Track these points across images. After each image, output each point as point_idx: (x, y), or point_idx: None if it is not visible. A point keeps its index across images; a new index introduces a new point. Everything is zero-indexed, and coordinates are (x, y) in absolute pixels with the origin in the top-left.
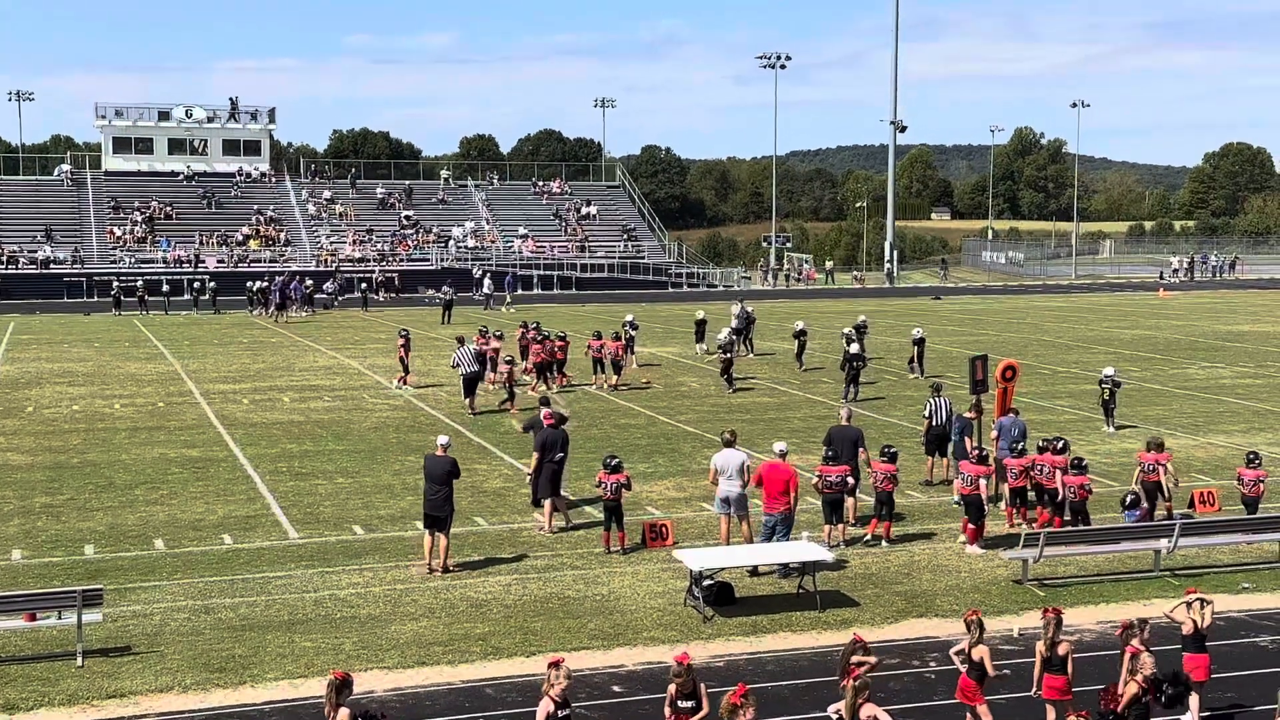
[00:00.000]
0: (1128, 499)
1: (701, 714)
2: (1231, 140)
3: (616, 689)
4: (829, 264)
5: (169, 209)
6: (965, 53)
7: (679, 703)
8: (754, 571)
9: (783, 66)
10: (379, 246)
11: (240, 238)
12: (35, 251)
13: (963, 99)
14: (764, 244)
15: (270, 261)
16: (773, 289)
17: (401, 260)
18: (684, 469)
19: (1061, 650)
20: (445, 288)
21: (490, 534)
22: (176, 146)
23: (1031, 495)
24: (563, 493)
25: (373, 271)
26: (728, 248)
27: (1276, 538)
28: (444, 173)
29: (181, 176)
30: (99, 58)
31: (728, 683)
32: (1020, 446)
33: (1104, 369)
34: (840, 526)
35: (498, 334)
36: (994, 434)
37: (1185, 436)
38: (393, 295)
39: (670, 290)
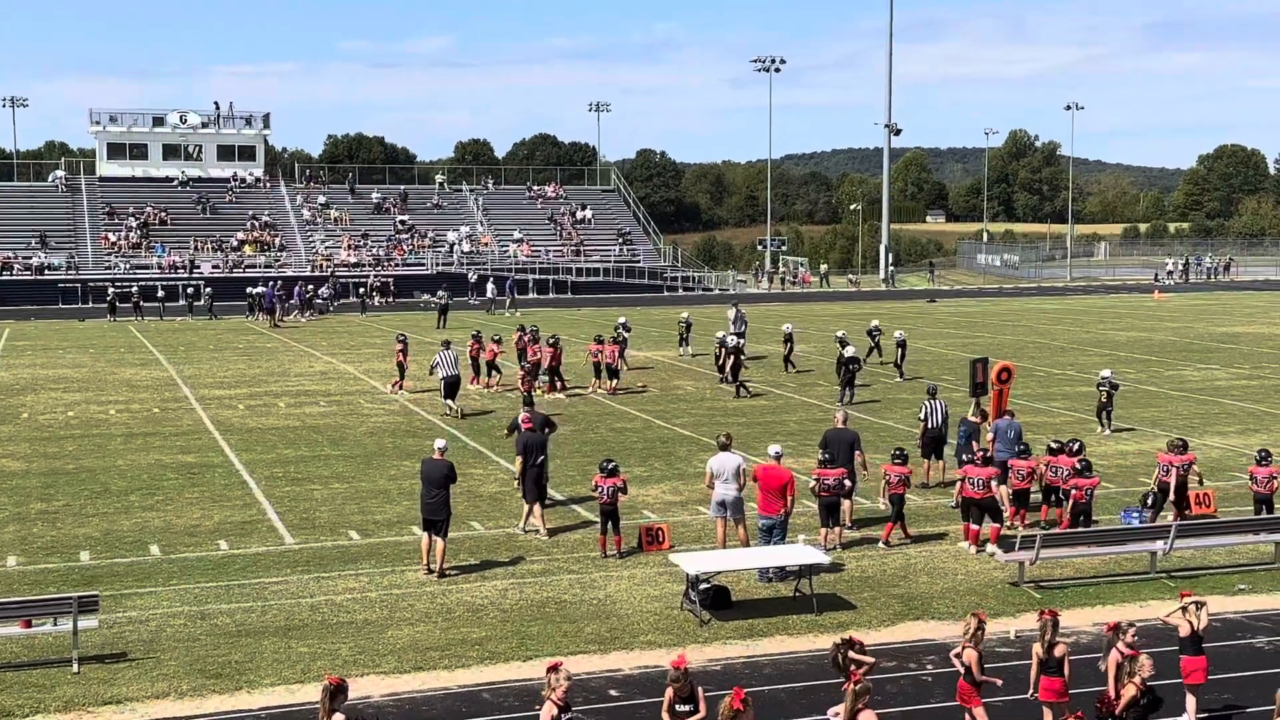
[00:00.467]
0: (1149, 498)
1: (699, 717)
2: (1225, 142)
3: (613, 693)
4: (823, 267)
5: (164, 214)
6: (960, 55)
7: (677, 707)
8: (767, 579)
9: (777, 70)
10: (374, 251)
11: (235, 243)
12: (30, 257)
13: (957, 102)
14: (759, 247)
15: (265, 267)
16: (767, 292)
17: (397, 265)
18: (680, 473)
19: (1058, 652)
20: (440, 292)
21: (486, 538)
22: (171, 152)
23: (1036, 496)
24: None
25: (368, 276)
26: (723, 251)
27: (1273, 539)
28: (439, 177)
29: (176, 182)
30: (94, 63)
31: (724, 686)
32: (1023, 448)
33: (1101, 371)
34: (837, 530)
35: (495, 338)
36: (990, 436)
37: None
38: (387, 300)
39: (666, 294)
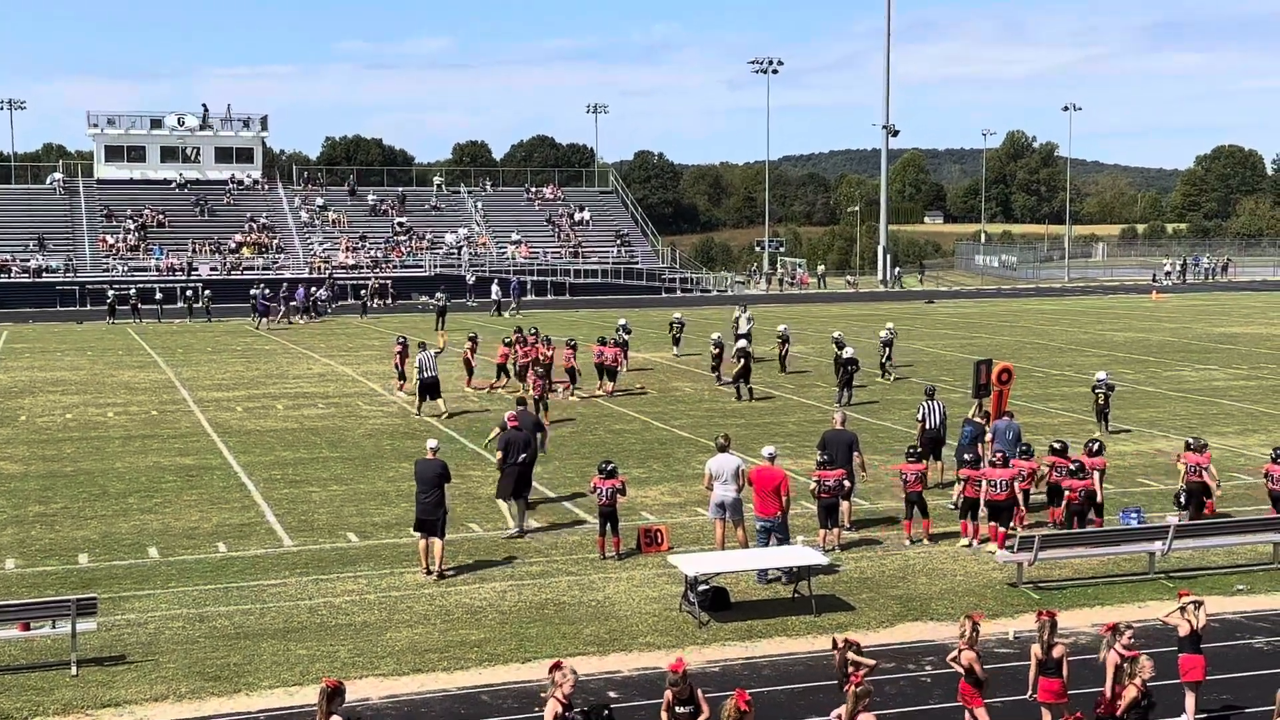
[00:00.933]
0: (1181, 498)
1: (702, 718)
2: (1223, 143)
3: (612, 694)
4: (821, 268)
5: (161, 217)
6: (957, 56)
7: (677, 709)
8: (766, 580)
9: (775, 71)
10: (372, 253)
11: (233, 245)
12: (28, 260)
13: (955, 103)
14: (757, 249)
15: (264, 269)
16: (766, 293)
17: (395, 267)
18: (678, 474)
19: (1057, 653)
20: (439, 294)
21: (485, 540)
22: (169, 154)
23: (1041, 497)
24: (516, 498)
25: (368, 278)
26: (721, 252)
27: (1270, 539)
28: (437, 179)
29: (174, 184)
30: (91, 65)
31: (723, 688)
32: (1025, 448)
33: (1096, 373)
34: (836, 531)
35: (507, 340)
36: (989, 437)
37: (1179, 439)
38: (385, 302)
39: (664, 295)
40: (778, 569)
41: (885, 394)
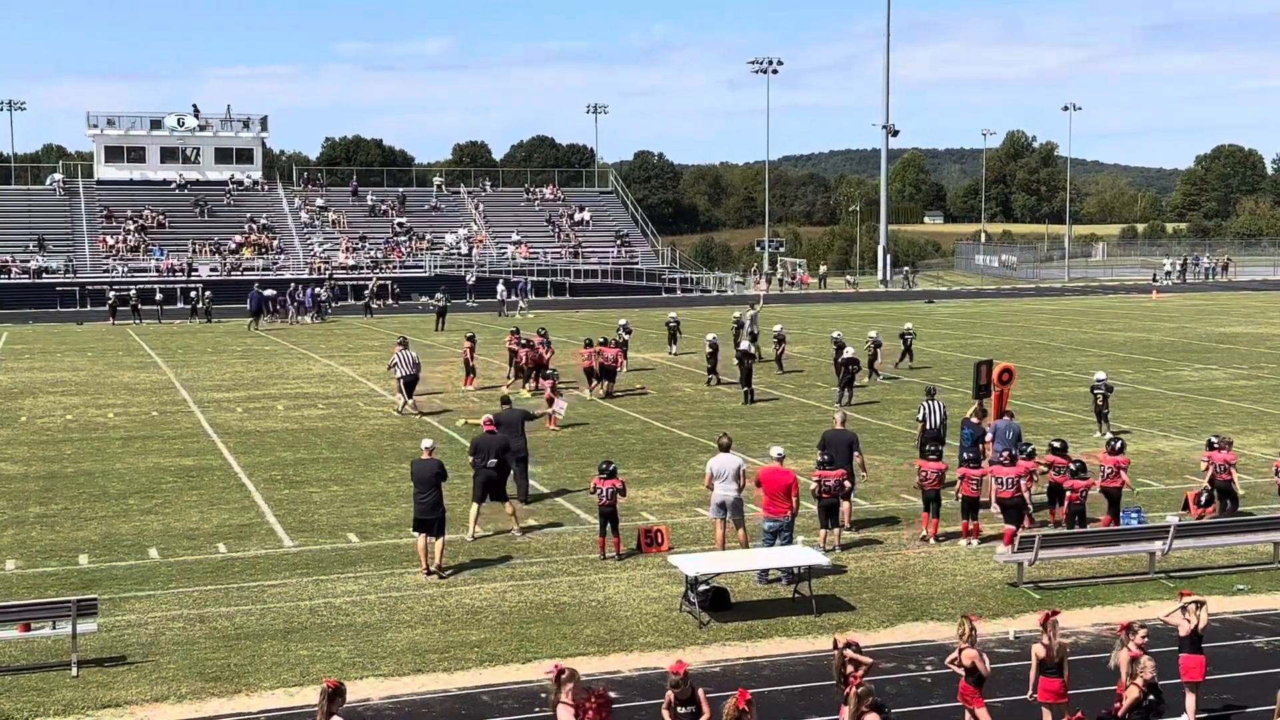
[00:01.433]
0: (1203, 497)
1: (703, 719)
2: (1223, 142)
3: (613, 695)
4: (821, 268)
5: (161, 217)
6: (957, 56)
7: (678, 709)
8: (767, 580)
9: (775, 71)
10: (372, 254)
11: (233, 246)
12: (28, 261)
13: (955, 103)
14: (757, 249)
15: (264, 269)
16: (766, 293)
17: (395, 267)
18: (679, 474)
19: (1057, 653)
20: (438, 294)
21: (485, 540)
22: (169, 155)
23: (1043, 497)
24: (487, 502)
25: (369, 278)
26: (721, 253)
27: (1271, 539)
28: (437, 179)
29: (174, 185)
30: (91, 66)
31: (724, 688)
32: (1028, 448)
33: (1095, 374)
34: (836, 531)
35: (526, 341)
36: (989, 437)
37: (1179, 438)
38: (384, 302)
39: (664, 295)
40: (778, 569)
41: (886, 394)
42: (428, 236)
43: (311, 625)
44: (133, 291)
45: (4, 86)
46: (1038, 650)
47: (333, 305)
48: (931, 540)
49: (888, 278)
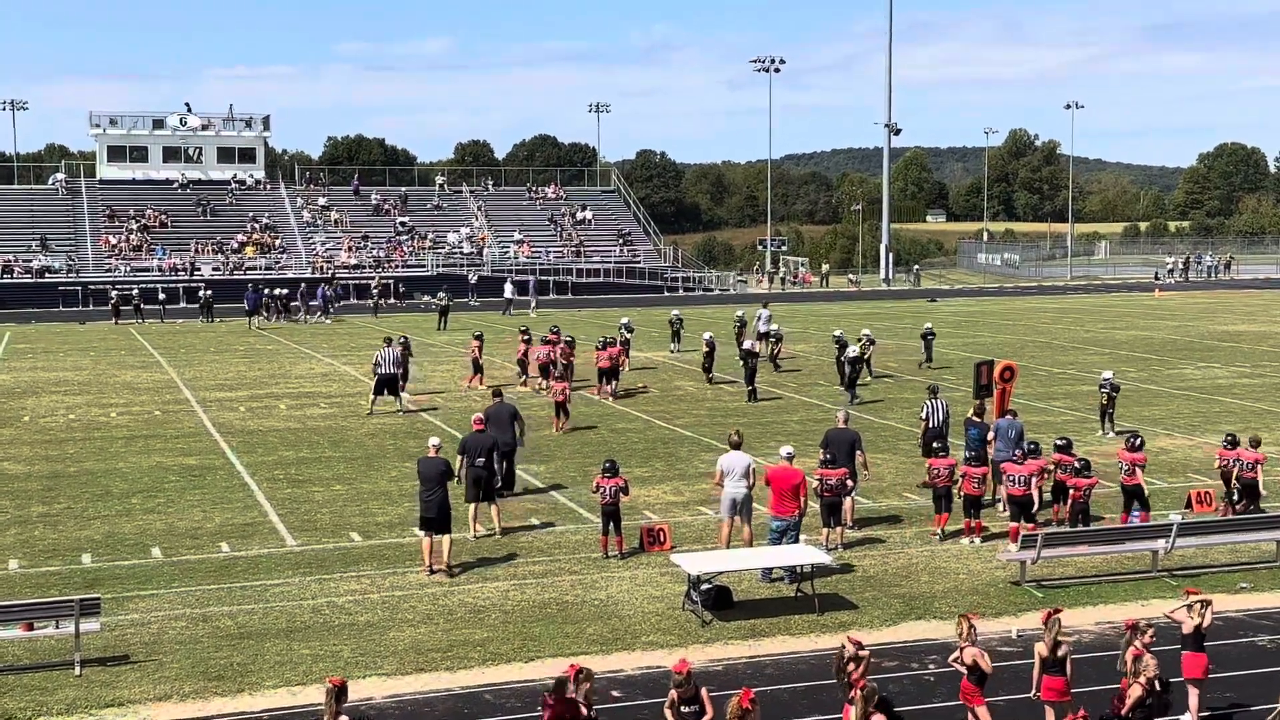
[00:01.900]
0: (1233, 495)
1: (706, 718)
2: (1225, 141)
3: (616, 694)
4: (824, 267)
5: (164, 217)
6: (959, 56)
7: (682, 708)
8: (770, 579)
9: (776, 70)
10: (375, 253)
11: (236, 245)
12: (30, 260)
13: (957, 102)
14: (759, 247)
15: (266, 269)
16: (768, 292)
17: (397, 266)
18: (681, 473)
19: (1060, 651)
20: (441, 293)
21: (488, 539)
22: (171, 154)
23: (1047, 495)
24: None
25: (373, 277)
26: (723, 251)
27: (1274, 537)
28: (439, 179)
29: (176, 184)
30: (93, 66)
31: (727, 687)
32: (1032, 446)
33: (1103, 373)
34: (838, 530)
35: (544, 339)
36: (991, 436)
37: (1182, 437)
38: (388, 302)
39: (666, 294)
40: (781, 568)
41: (889, 393)
42: (430, 236)
43: (314, 624)
44: (135, 291)
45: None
46: (1041, 649)
47: (335, 304)
48: (939, 535)
49: (890, 276)
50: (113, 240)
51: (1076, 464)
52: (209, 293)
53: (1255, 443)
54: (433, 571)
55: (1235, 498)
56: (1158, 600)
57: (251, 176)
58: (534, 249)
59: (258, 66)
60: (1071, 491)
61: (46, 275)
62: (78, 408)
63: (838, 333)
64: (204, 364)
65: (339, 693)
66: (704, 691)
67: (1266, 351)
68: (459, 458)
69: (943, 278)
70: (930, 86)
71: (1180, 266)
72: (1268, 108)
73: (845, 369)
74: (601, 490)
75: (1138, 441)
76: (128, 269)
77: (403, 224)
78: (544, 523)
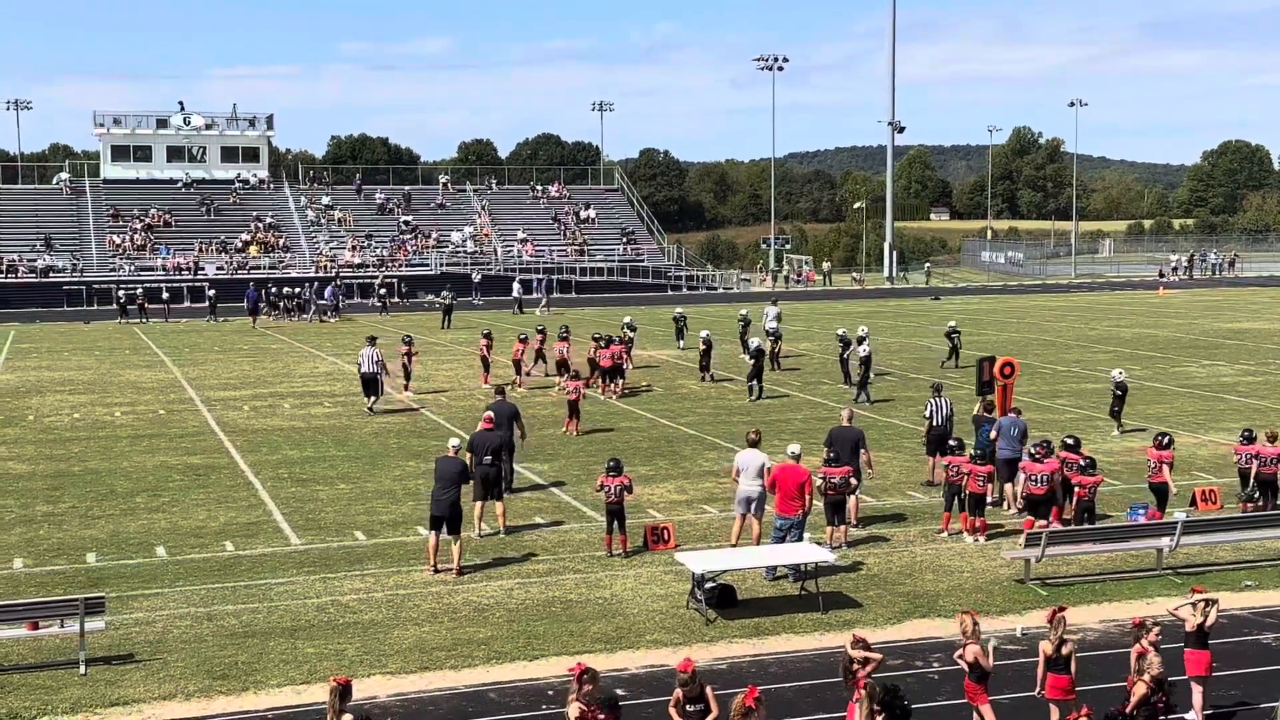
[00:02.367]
0: (1255, 494)
1: (711, 717)
2: (1230, 138)
3: (620, 692)
4: (826, 265)
5: (168, 216)
6: (962, 54)
7: (687, 707)
8: (774, 576)
9: (780, 69)
10: (378, 252)
11: (239, 245)
12: (35, 260)
13: (960, 100)
14: (763, 246)
15: (270, 268)
16: (771, 290)
17: (400, 265)
18: (685, 472)
19: (1065, 650)
20: (445, 292)
21: (492, 538)
22: (175, 154)
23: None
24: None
25: (376, 276)
26: (727, 250)
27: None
28: (442, 178)
29: (180, 184)
30: (96, 66)
31: (731, 685)
32: (1048, 446)
33: (1113, 371)
34: (842, 528)
35: (562, 335)
36: (993, 434)
37: (1187, 435)
38: (393, 300)
39: (670, 293)
40: (785, 566)
41: (893, 391)
42: (433, 235)
43: (319, 623)
44: (139, 290)
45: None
46: (1045, 647)
47: (340, 303)
48: (946, 534)
49: (894, 274)
50: (117, 240)
51: (1082, 462)
52: (214, 292)
53: (1273, 438)
54: (437, 570)
55: (1255, 494)
56: (1162, 598)
57: (255, 176)
58: (537, 248)
59: (261, 66)
60: (1076, 489)
61: (51, 275)
62: (82, 407)
63: (841, 331)
64: (208, 363)
65: (343, 691)
66: (709, 690)
67: (1271, 349)
68: (467, 456)
69: (947, 276)
70: (934, 84)
71: (1184, 264)
72: (1272, 105)
73: (851, 368)
74: (605, 489)
75: (1165, 439)
76: (132, 268)
77: (406, 223)
78: (549, 521)
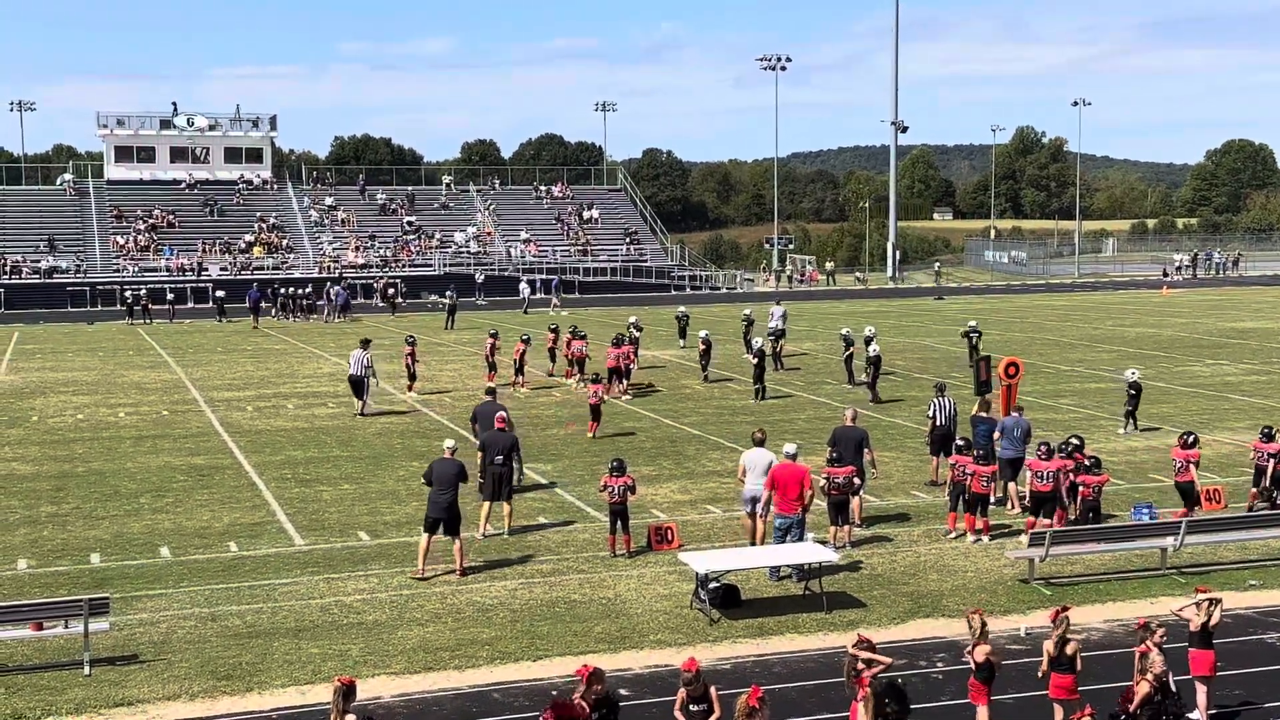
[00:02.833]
0: (1274, 493)
1: (715, 717)
2: (1233, 137)
3: (624, 692)
4: (830, 265)
5: (171, 217)
6: (965, 53)
7: (691, 707)
8: (778, 577)
9: (783, 68)
10: (381, 253)
11: (243, 245)
12: (39, 261)
13: (963, 99)
14: (766, 246)
15: (274, 269)
16: (775, 290)
17: (404, 266)
18: (689, 471)
19: (1069, 649)
20: (449, 292)
21: (495, 539)
22: (178, 155)
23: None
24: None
25: (380, 277)
26: (730, 250)
27: None
28: (446, 178)
29: (183, 185)
30: (99, 66)
31: (735, 685)
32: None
33: (1126, 371)
34: (845, 528)
35: (574, 334)
36: (996, 434)
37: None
38: (400, 301)
39: (673, 293)
40: (789, 566)
41: (896, 390)
42: (437, 235)
43: (323, 623)
44: (143, 291)
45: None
46: (1048, 646)
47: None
48: (952, 534)
49: (898, 274)
50: (120, 240)
51: (1086, 462)
52: (222, 293)
53: None
54: (424, 578)
55: (1274, 494)
56: (1166, 598)
57: (258, 176)
58: (541, 248)
59: (263, 66)
60: (1081, 489)
61: (54, 276)
62: (86, 408)
63: (845, 331)
64: (212, 364)
65: (347, 691)
66: (712, 690)
67: (1275, 348)
68: (478, 455)
69: (950, 276)
70: (937, 84)
71: (1188, 263)
72: (1276, 104)
73: (855, 368)
74: (609, 489)
75: (1191, 438)
76: (135, 269)
77: (409, 223)
78: (553, 522)
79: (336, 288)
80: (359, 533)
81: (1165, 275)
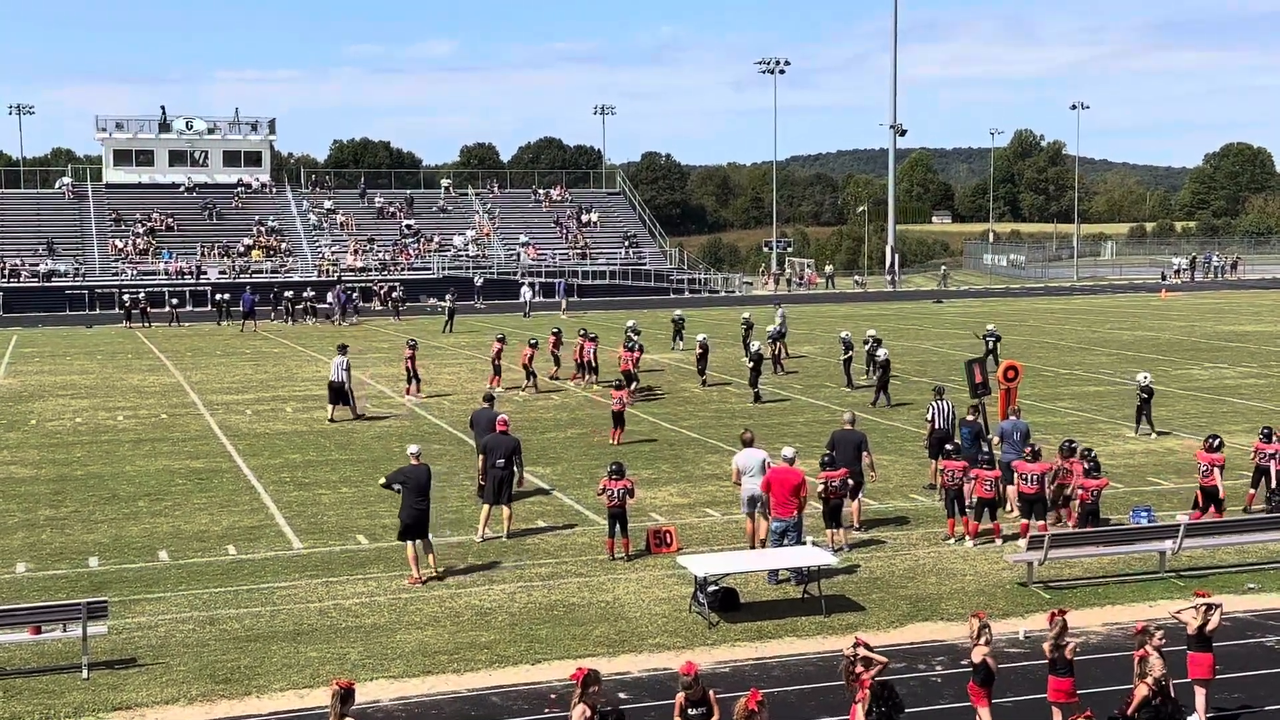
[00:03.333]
0: (1276, 495)
1: None
2: (1232, 140)
3: (623, 696)
4: (829, 268)
5: (170, 221)
6: (964, 56)
7: (689, 711)
8: (777, 580)
9: (782, 72)
10: (380, 256)
11: (242, 249)
12: (37, 265)
13: (962, 102)
14: (765, 249)
15: (272, 272)
16: (774, 294)
17: (403, 269)
18: (688, 475)
19: (1068, 653)
20: (448, 296)
21: (494, 542)
22: (177, 158)
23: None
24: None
25: (380, 284)
26: (729, 253)
27: None
28: (445, 181)
29: (182, 188)
30: (98, 70)
31: (734, 688)
32: (1033, 448)
33: (1139, 375)
34: (842, 531)
35: (587, 334)
36: (995, 437)
37: (1190, 438)
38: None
39: (672, 296)
40: (788, 569)
41: (896, 394)
42: (435, 238)
43: (321, 627)
44: (141, 294)
45: (12, 90)
46: (1046, 649)
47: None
48: (952, 539)
49: (897, 277)
50: (119, 244)
51: (1086, 465)
52: (226, 296)
53: None
54: (423, 581)
55: (1276, 496)
56: (1165, 601)
57: (257, 180)
58: (540, 251)
59: (263, 70)
60: (1080, 493)
61: (53, 279)
62: (84, 411)
63: (844, 334)
64: (210, 367)
65: (345, 695)
66: (711, 693)
67: (1274, 352)
68: (479, 457)
69: (949, 279)
70: (936, 87)
71: (1187, 267)
72: (1274, 107)
73: (854, 372)
74: (608, 492)
75: (1216, 442)
76: (134, 273)
77: (408, 227)
78: (552, 525)
79: (333, 291)
80: (357, 536)
81: (1164, 279)
